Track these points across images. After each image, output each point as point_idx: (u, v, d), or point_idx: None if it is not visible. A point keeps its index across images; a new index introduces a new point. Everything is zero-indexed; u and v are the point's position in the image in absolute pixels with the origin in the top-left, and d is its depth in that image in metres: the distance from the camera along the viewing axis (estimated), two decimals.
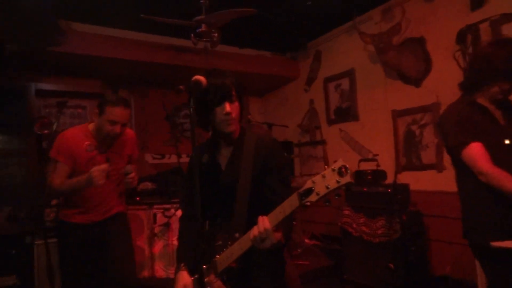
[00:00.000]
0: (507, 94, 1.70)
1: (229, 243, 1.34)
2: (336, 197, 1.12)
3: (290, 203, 1.18)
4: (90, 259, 2.33)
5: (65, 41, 2.79)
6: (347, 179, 1.07)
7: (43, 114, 3.96)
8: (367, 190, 3.47)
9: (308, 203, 1.14)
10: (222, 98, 1.42)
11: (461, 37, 3.12)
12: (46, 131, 3.55)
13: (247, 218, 1.39)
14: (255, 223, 1.26)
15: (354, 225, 3.44)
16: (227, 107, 1.41)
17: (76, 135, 2.35)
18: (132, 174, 2.23)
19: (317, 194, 1.10)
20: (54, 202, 3.44)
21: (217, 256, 1.35)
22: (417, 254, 3.16)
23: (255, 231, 1.23)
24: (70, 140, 2.32)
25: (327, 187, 1.09)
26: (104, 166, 2.10)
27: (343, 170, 1.06)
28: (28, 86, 3.85)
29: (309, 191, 1.12)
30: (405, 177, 3.55)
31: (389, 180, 3.50)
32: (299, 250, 4.09)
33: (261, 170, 1.46)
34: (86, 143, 2.31)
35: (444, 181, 3.28)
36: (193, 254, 1.48)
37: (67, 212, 2.35)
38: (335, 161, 1.11)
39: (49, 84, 3.98)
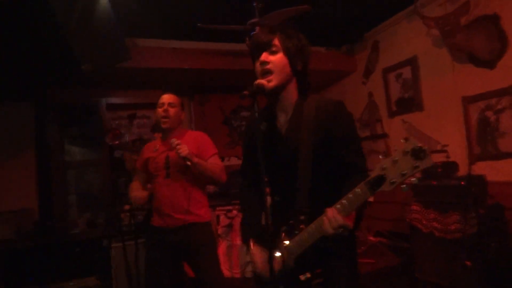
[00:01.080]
0: None
1: (296, 228, 1.27)
2: (413, 180, 0.96)
3: (359, 195, 1.05)
4: (169, 264, 2.35)
5: (131, 57, 2.97)
6: (427, 162, 0.92)
7: (114, 126, 4.27)
8: (437, 184, 3.26)
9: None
10: (259, 48, 1.34)
11: None
12: (117, 142, 3.83)
13: (310, 195, 1.29)
14: (320, 199, 1.18)
15: (424, 221, 3.26)
16: (263, 56, 1.33)
17: (151, 143, 2.62)
18: (177, 141, 2.17)
19: (392, 183, 0.96)
20: (127, 207, 3.69)
21: (287, 242, 1.29)
22: (498, 251, 2.90)
23: (326, 225, 1.14)
24: (145, 148, 2.61)
25: (403, 174, 0.94)
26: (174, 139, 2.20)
27: (420, 151, 0.91)
28: (100, 101, 4.18)
29: (380, 179, 0.98)
30: (481, 168, 3.28)
31: (462, 172, 3.27)
32: (362, 248, 3.97)
33: (325, 137, 1.31)
34: (153, 146, 2.52)
35: None
36: (259, 229, 1.43)
37: (153, 214, 2.48)
38: (404, 141, 0.95)
39: (118, 97, 4.29)
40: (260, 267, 1.37)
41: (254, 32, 3.08)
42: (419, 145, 0.92)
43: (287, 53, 1.32)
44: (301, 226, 1.26)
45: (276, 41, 1.32)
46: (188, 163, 2.15)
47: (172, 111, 2.41)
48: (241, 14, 3.02)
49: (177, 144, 2.16)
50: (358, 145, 1.36)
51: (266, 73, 1.32)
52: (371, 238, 4.23)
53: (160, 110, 2.42)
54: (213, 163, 2.36)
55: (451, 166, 3.33)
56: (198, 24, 3.03)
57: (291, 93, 1.39)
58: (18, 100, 3.97)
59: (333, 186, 1.29)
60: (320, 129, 1.31)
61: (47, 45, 3.15)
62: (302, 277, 1.24)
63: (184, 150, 2.15)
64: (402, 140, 0.95)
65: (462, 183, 3.02)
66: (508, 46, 3.09)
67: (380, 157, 1.00)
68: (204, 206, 2.44)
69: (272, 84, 1.32)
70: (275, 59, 1.32)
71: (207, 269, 2.35)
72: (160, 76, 4.08)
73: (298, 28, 1.39)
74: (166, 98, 2.45)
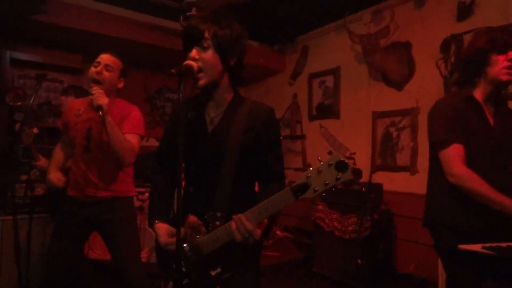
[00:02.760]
0: (508, 69, 1.61)
1: (211, 224, 1.26)
2: (331, 191, 1.04)
3: (284, 199, 1.10)
4: (77, 237, 2.18)
5: (47, 10, 2.66)
6: (348, 176, 1.00)
7: (18, 85, 3.79)
8: (342, 187, 3.55)
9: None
10: (190, 41, 1.30)
11: (445, 46, 3.22)
12: (19, 103, 3.40)
13: (231, 191, 1.29)
14: (239, 198, 1.20)
15: (327, 220, 3.53)
16: (193, 52, 1.28)
17: (76, 102, 2.31)
18: (99, 90, 1.96)
19: (315, 190, 1.03)
20: (24, 177, 3.32)
21: (198, 236, 1.29)
22: (385, 252, 3.29)
23: (236, 233, 1.16)
24: (69, 106, 2.33)
25: (326, 184, 1.01)
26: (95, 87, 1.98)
27: (342, 164, 0.99)
28: (2, 54, 3.65)
29: (305, 186, 1.04)
30: (380, 177, 3.66)
31: (364, 179, 3.60)
32: (270, 241, 4.16)
33: (254, 138, 1.32)
34: (78, 108, 2.21)
35: (416, 183, 3.40)
36: (168, 214, 1.40)
37: (69, 183, 2.22)
38: (330, 154, 1.03)
39: (26, 54, 3.79)
40: (163, 240, 1.33)
41: (190, 13, 3.00)
42: (342, 159, 1.00)
43: (218, 49, 1.28)
44: (216, 223, 1.26)
45: (207, 34, 1.27)
46: (100, 113, 1.93)
47: (107, 75, 2.09)
48: None
49: (97, 91, 1.95)
50: (280, 153, 1.41)
51: (199, 71, 1.29)
52: (278, 232, 4.44)
53: (93, 69, 2.09)
54: (127, 139, 2.08)
55: (356, 173, 3.65)
56: None
57: (224, 88, 1.38)
58: None
59: (251, 189, 1.33)
60: (250, 131, 1.32)
61: None
62: (212, 272, 1.25)
63: (102, 99, 1.93)
64: (328, 153, 1.04)
65: (364, 189, 3.32)
66: (415, 72, 3.50)
67: (309, 168, 1.06)
68: (125, 181, 2.25)
69: (202, 82, 1.29)
70: (206, 56, 1.28)
71: (124, 244, 2.18)
72: (79, 39, 3.73)
73: (236, 19, 1.36)
74: (104, 58, 2.12)
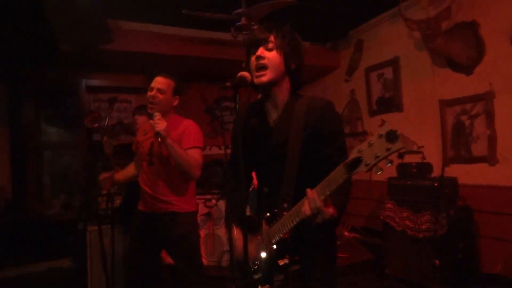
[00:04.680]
0: None
1: (278, 215, 1.30)
2: (388, 165, 0.99)
3: (338, 176, 1.09)
4: (149, 248, 2.32)
5: (113, 39, 2.91)
6: (398, 145, 0.94)
7: (93, 108, 4.19)
8: (411, 183, 3.35)
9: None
10: (255, 43, 1.36)
11: None
12: (95, 125, 3.76)
13: (296, 186, 1.33)
14: (304, 192, 1.21)
15: (397, 219, 3.35)
16: (259, 51, 1.35)
17: (144, 124, 2.56)
18: (158, 115, 2.12)
19: (366, 164, 1.00)
20: (105, 191, 3.64)
21: (268, 227, 1.33)
22: (465, 251, 3.02)
23: (305, 206, 1.17)
24: (139, 128, 2.57)
25: (377, 157, 0.97)
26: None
27: (392, 134, 0.94)
28: (79, 83, 4.09)
29: (357, 161, 1.01)
30: (454, 170, 3.38)
31: (436, 173, 3.36)
32: (338, 242, 4.06)
33: (313, 133, 1.35)
34: (145, 128, 2.45)
35: (497, 175, 3.09)
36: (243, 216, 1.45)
37: (140, 198, 2.44)
38: (380, 125, 0.98)
39: (98, 80, 4.21)
40: (240, 251, 1.39)
41: (239, 23, 3.07)
42: (392, 128, 0.95)
43: (282, 51, 1.36)
44: (283, 213, 1.29)
45: (272, 38, 1.35)
46: (159, 139, 2.10)
47: (160, 97, 2.27)
48: (227, 3, 3.00)
49: (157, 118, 2.11)
50: (343, 144, 1.39)
51: (261, 67, 1.35)
52: (346, 233, 4.32)
53: (149, 93, 2.29)
54: (190, 155, 2.22)
55: (425, 167, 3.43)
56: (184, 10, 2.99)
57: (283, 91, 1.42)
58: None
59: (317, 180, 1.33)
60: (309, 125, 1.35)
61: (25, 23, 3.05)
62: (280, 262, 1.28)
63: (160, 125, 2.08)
64: (378, 125, 0.99)
65: (436, 184, 3.10)
66: (485, 53, 3.18)
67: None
68: (186, 196, 2.35)
69: (265, 78, 1.35)
70: (270, 56, 1.35)
71: (185, 260, 2.32)
72: (142, 61, 4.02)
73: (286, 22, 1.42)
74: (156, 82, 2.31)
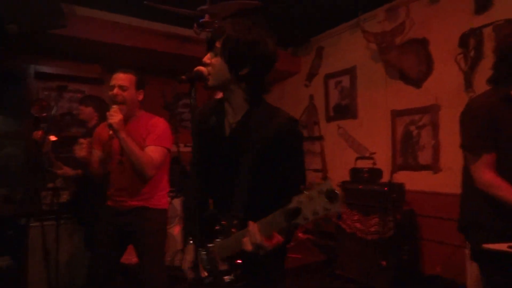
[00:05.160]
0: None
1: (225, 230, 1.26)
2: (325, 223, 1.03)
3: (277, 221, 1.07)
4: (116, 243, 2.25)
5: (67, 24, 2.75)
6: (336, 207, 0.93)
7: (42, 96, 3.94)
8: (362, 188, 3.50)
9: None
10: (207, 47, 1.30)
11: (464, 41, 3.13)
12: (44, 114, 3.53)
13: (248, 201, 1.27)
14: (256, 209, 1.18)
15: (348, 222, 3.48)
16: (205, 57, 1.29)
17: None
18: (115, 108, 2.03)
19: (305, 218, 0.98)
20: (50, 185, 3.44)
21: (211, 244, 1.29)
22: (409, 253, 3.21)
23: (246, 241, 1.12)
24: (100, 126, 2.43)
25: (315, 213, 0.96)
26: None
27: (332, 194, 0.93)
28: (27, 68, 3.82)
29: (297, 211, 1.00)
30: (401, 177, 3.58)
31: (385, 179, 3.54)
32: (292, 243, 4.13)
33: (271, 149, 1.27)
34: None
35: (439, 182, 3.31)
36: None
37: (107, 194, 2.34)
38: (323, 179, 1.01)
39: (49, 67, 3.95)
40: (185, 265, 1.37)
41: (203, 20, 3.04)
42: (333, 188, 0.94)
43: (225, 58, 1.26)
44: (232, 230, 1.26)
45: (218, 44, 1.26)
46: (110, 131, 2.02)
47: (124, 94, 2.16)
48: None
49: (113, 110, 2.03)
50: (301, 165, 1.34)
51: (208, 74, 1.29)
52: (300, 234, 4.41)
53: (110, 92, 2.16)
54: (146, 152, 2.13)
55: (376, 173, 3.60)
56: (145, 1, 2.91)
57: (238, 96, 1.33)
58: None
59: (271, 198, 1.28)
60: (267, 140, 1.27)
61: None
62: (226, 279, 1.24)
63: (114, 118, 2.00)
64: (322, 178, 1.02)
65: (385, 189, 3.27)
66: (433, 69, 3.42)
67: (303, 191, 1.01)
68: (158, 194, 2.31)
69: (209, 83, 1.29)
70: (214, 61, 1.28)
71: (152, 256, 2.25)
72: (98, 50, 3.84)
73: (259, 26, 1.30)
74: (117, 78, 2.18)
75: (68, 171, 3.04)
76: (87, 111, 3.18)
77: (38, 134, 2.86)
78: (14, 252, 3.31)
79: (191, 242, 1.39)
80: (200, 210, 1.28)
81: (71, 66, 4.07)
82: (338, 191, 0.93)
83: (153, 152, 2.15)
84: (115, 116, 2.01)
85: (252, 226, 1.12)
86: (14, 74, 3.88)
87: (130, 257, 2.66)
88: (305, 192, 1.00)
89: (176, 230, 3.72)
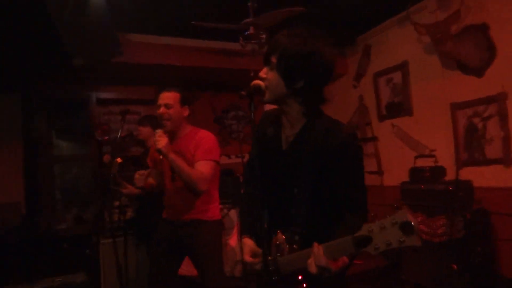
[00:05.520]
0: None
1: (289, 247, 1.24)
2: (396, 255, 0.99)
3: (344, 246, 1.05)
4: (171, 256, 2.33)
5: (123, 52, 2.94)
6: (413, 240, 0.91)
7: (103, 121, 4.22)
8: (425, 188, 3.32)
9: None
10: (263, 62, 1.32)
11: None
12: (106, 137, 3.79)
13: (307, 217, 1.26)
14: (317, 221, 1.17)
15: None
16: (262, 71, 1.31)
17: None
18: (159, 133, 2.12)
19: (376, 248, 0.97)
20: (116, 203, 3.65)
21: (279, 255, 1.27)
22: (484, 255, 2.97)
23: (311, 264, 1.10)
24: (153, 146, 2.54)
25: (388, 244, 0.94)
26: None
27: (408, 226, 0.90)
28: (90, 95, 4.13)
29: (367, 239, 0.99)
30: (468, 173, 3.34)
31: (449, 176, 3.33)
32: None
33: (328, 164, 1.25)
34: None
35: None
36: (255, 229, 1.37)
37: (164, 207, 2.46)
38: (398, 209, 0.97)
39: (108, 92, 4.25)
40: (246, 258, 1.35)
41: (248, 33, 3.09)
42: (409, 220, 0.92)
43: (281, 72, 1.26)
44: (294, 246, 1.25)
45: (273, 58, 1.27)
46: (160, 156, 2.11)
47: (169, 113, 2.25)
48: (235, 13, 3.02)
49: (157, 135, 2.12)
50: (361, 180, 1.32)
51: (263, 86, 1.30)
52: None
53: (157, 112, 2.28)
54: (196, 169, 2.18)
55: (438, 171, 3.39)
56: (193, 22, 3.02)
57: (294, 110, 1.33)
58: (6, 92, 3.89)
59: (331, 213, 1.28)
60: (325, 155, 1.25)
61: (38, 38, 3.09)
62: None
63: (160, 142, 2.08)
64: (395, 208, 0.99)
65: (450, 188, 3.07)
66: (496, 55, 3.17)
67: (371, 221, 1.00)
68: (211, 205, 2.36)
69: (265, 97, 1.30)
70: (270, 76, 1.29)
71: (208, 268, 2.31)
72: (151, 72, 4.06)
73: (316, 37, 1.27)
74: (162, 98, 2.28)
75: (132, 189, 3.21)
76: (145, 131, 3.35)
77: (107, 157, 3.06)
78: (88, 268, 3.55)
79: (249, 236, 1.39)
80: (260, 217, 1.24)
81: (128, 90, 4.34)
82: (414, 223, 0.91)
83: (203, 167, 2.19)
84: (161, 140, 2.09)
85: (317, 249, 1.10)
86: (78, 102, 4.22)
87: (191, 269, 2.74)
88: (377, 221, 0.98)
89: (233, 240, 3.77)
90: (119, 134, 2.62)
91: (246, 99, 1.29)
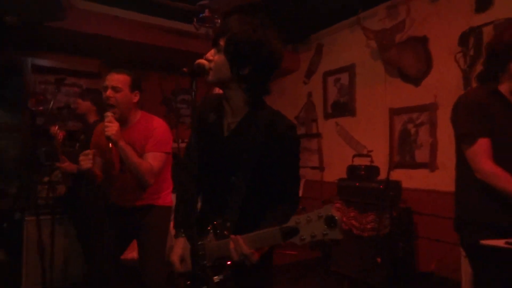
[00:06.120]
0: None
1: (218, 231, 1.27)
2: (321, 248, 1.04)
3: (271, 236, 1.09)
4: (118, 243, 2.27)
5: (66, 17, 2.73)
6: (335, 234, 0.96)
7: (39, 90, 3.91)
8: (359, 185, 3.51)
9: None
10: (212, 43, 1.29)
11: (463, 39, 3.14)
12: (40, 108, 3.51)
13: (242, 202, 1.27)
14: (250, 210, 1.19)
15: (344, 219, 3.49)
16: (209, 52, 1.28)
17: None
18: (110, 117, 1.96)
19: (302, 239, 1.01)
20: (46, 179, 3.42)
21: (201, 242, 1.29)
22: (405, 250, 3.23)
23: (232, 251, 1.15)
24: (99, 128, 2.31)
25: (313, 236, 0.99)
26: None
27: (331, 220, 0.95)
28: (24, 61, 3.78)
29: (294, 231, 1.03)
30: (398, 174, 3.59)
31: (382, 176, 3.55)
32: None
33: (268, 154, 1.27)
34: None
35: (436, 180, 3.33)
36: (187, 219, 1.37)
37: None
38: (325, 204, 1.02)
39: (46, 60, 3.92)
40: (173, 257, 1.36)
41: (203, 15, 3.03)
42: (333, 215, 0.96)
43: (228, 56, 1.24)
44: (225, 232, 1.26)
45: (222, 42, 1.24)
46: (110, 145, 1.97)
47: (117, 96, 2.06)
48: None
49: (107, 120, 1.96)
50: (295, 173, 1.35)
51: (209, 69, 1.28)
52: None
53: (104, 94, 2.07)
54: (146, 160, 2.08)
55: (373, 170, 3.61)
56: None
57: (238, 96, 1.31)
58: None
59: (264, 202, 1.30)
60: (265, 145, 1.27)
61: None
62: (216, 279, 1.24)
63: (111, 129, 1.93)
64: (322, 202, 1.03)
65: (381, 186, 3.27)
66: (432, 67, 3.43)
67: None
68: (162, 193, 2.31)
69: (209, 78, 1.27)
70: (217, 58, 1.26)
71: (149, 251, 2.26)
72: (96, 44, 3.81)
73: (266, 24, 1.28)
74: (110, 79, 2.08)
75: (71, 165, 2.99)
76: (84, 105, 3.16)
77: (54, 129, 2.81)
78: (9, 246, 3.30)
79: (183, 235, 1.39)
80: (194, 205, 1.24)
81: (69, 60, 4.04)
82: (338, 217, 0.96)
83: (153, 159, 2.10)
84: (111, 126, 1.95)
85: (236, 237, 1.14)
86: (11, 67, 3.85)
87: (126, 252, 2.66)
88: (304, 214, 1.02)
89: (173, 225, 3.71)
90: (51, 103, 2.42)
91: (185, 80, 1.26)
